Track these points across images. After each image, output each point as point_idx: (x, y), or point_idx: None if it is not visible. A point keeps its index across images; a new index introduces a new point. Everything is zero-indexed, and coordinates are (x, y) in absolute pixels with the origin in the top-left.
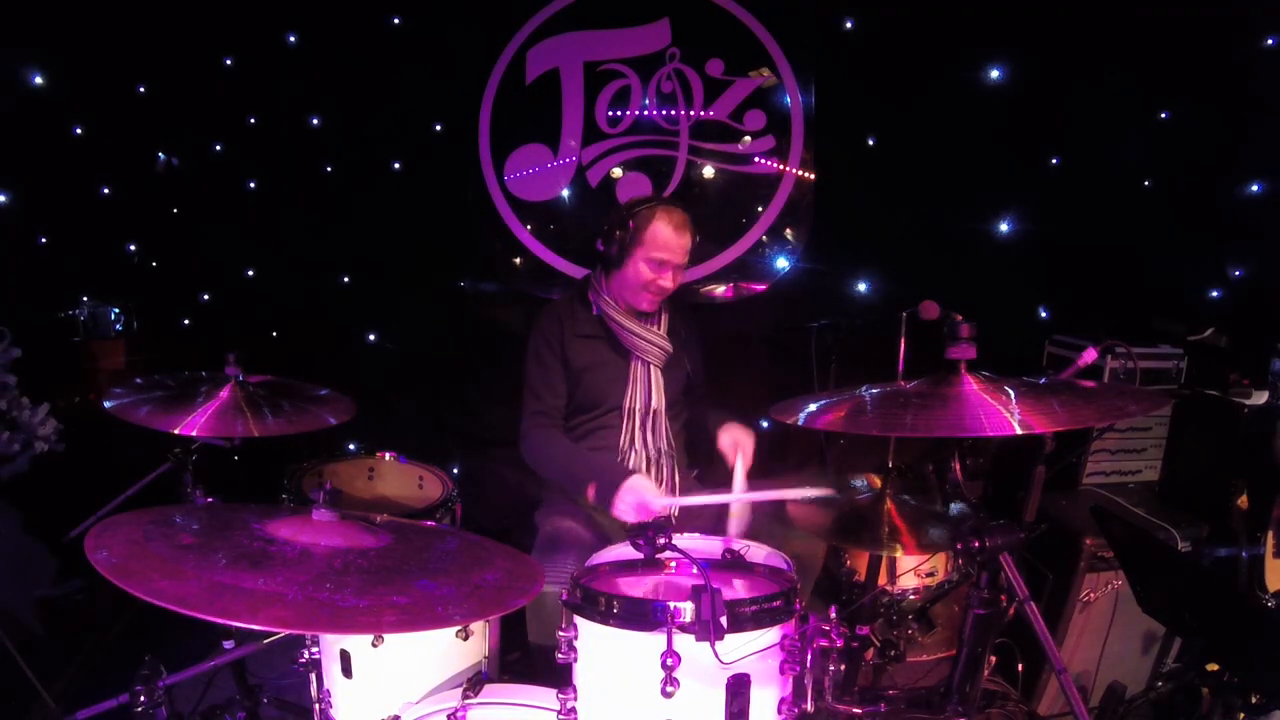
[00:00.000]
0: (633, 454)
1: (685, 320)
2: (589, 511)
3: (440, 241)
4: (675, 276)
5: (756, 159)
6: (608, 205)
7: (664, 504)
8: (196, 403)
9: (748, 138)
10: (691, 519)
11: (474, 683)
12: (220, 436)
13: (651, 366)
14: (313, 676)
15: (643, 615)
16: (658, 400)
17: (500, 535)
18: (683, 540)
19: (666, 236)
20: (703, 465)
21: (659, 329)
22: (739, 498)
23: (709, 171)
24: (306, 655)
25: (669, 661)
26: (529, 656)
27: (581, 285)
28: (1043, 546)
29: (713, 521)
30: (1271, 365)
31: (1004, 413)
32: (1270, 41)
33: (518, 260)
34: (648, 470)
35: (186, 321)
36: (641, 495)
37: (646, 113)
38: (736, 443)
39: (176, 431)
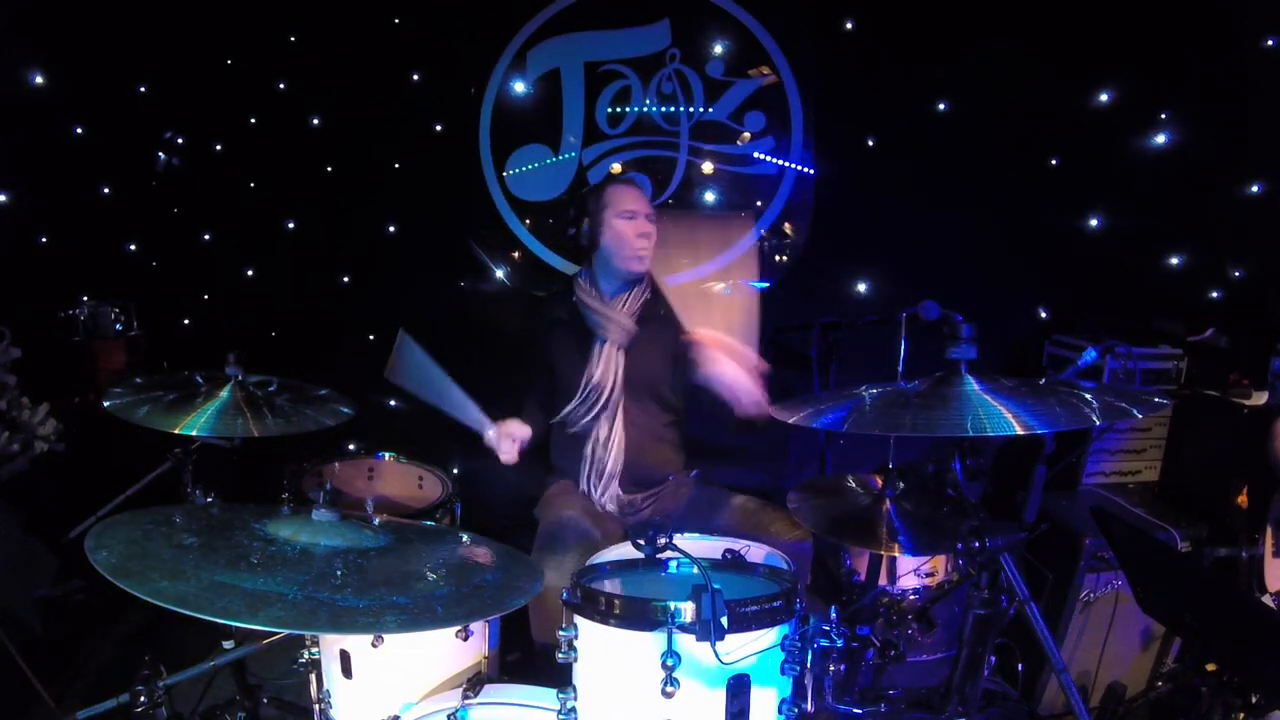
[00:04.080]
0: (612, 435)
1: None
2: (589, 504)
3: (440, 241)
4: (650, 226)
5: (756, 159)
6: None
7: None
8: (196, 403)
9: (747, 137)
10: (688, 511)
11: (474, 683)
12: (220, 437)
13: (609, 344)
14: (313, 676)
15: (643, 615)
16: (615, 378)
17: (500, 535)
18: (683, 540)
19: (625, 190)
20: (702, 463)
21: (623, 308)
22: None
23: (709, 172)
24: (306, 655)
25: (669, 661)
26: (529, 656)
27: (571, 279)
28: (1043, 546)
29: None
30: (1271, 365)
31: (1005, 412)
32: (1270, 41)
33: (518, 260)
34: (625, 450)
35: (186, 321)
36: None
37: (647, 113)
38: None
39: (176, 431)
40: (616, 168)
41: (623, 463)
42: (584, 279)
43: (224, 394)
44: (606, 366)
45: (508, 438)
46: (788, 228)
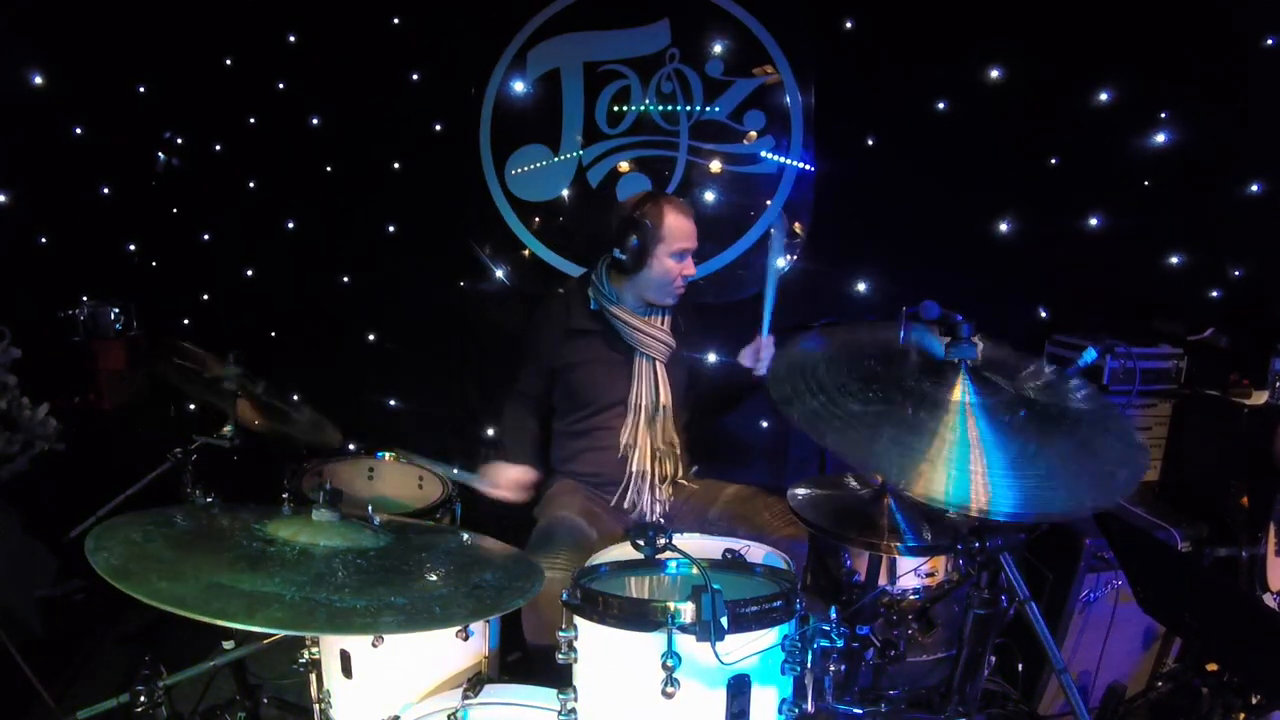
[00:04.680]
0: (636, 451)
1: (687, 317)
2: (589, 505)
3: (440, 241)
4: (693, 264)
5: (756, 159)
6: (608, 205)
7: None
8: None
9: (749, 137)
10: (685, 505)
11: (474, 683)
12: (220, 435)
13: (657, 363)
14: (313, 676)
15: (643, 615)
16: (665, 396)
17: (500, 535)
18: (683, 540)
19: (683, 225)
20: (702, 462)
21: (663, 324)
22: None
23: (709, 171)
24: (307, 655)
25: (669, 662)
26: (529, 656)
27: (580, 281)
28: (1043, 546)
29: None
30: (1271, 365)
31: None
32: (1270, 41)
33: (518, 260)
34: (652, 467)
35: (186, 321)
36: (498, 476)
37: (646, 112)
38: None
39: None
40: (625, 166)
41: (656, 467)
42: (608, 291)
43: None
44: (662, 386)
45: (515, 487)
46: (788, 227)
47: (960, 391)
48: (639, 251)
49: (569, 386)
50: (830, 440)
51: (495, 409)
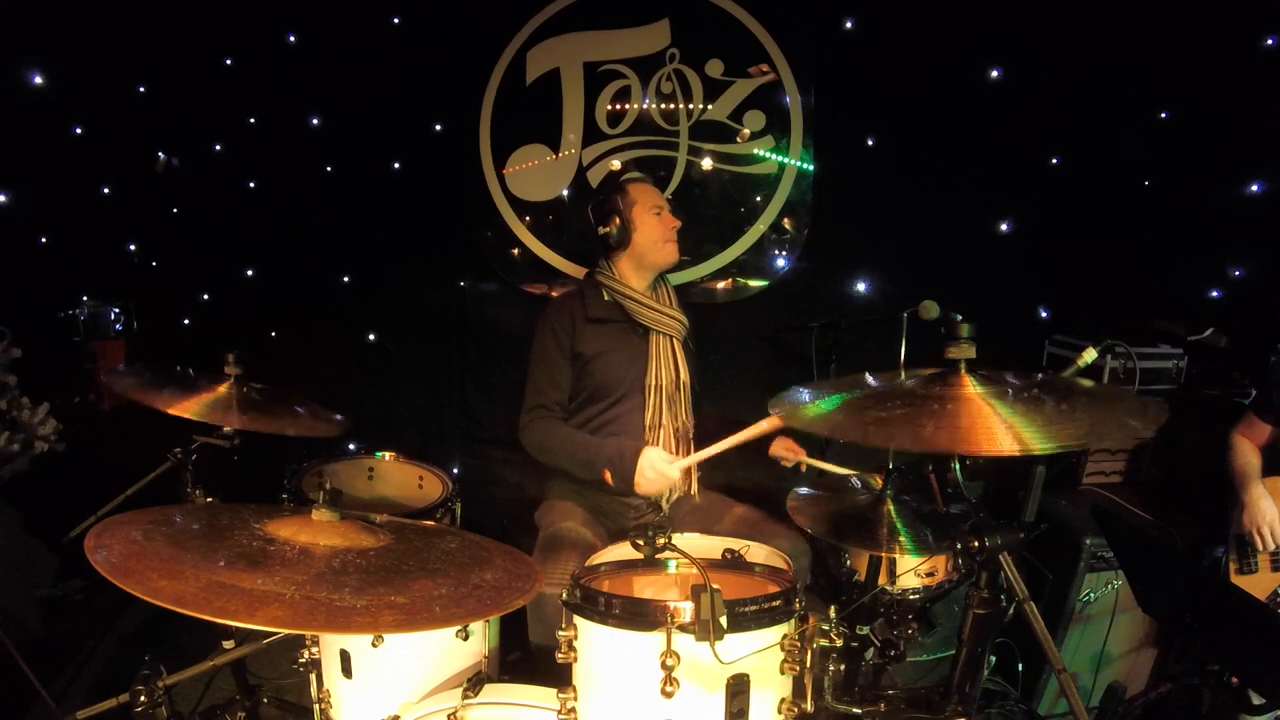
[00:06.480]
0: (660, 431)
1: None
2: (589, 511)
3: (440, 241)
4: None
5: (756, 158)
6: None
7: (681, 466)
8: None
9: (747, 134)
10: (689, 518)
11: (474, 683)
12: (220, 435)
13: (674, 341)
14: (313, 676)
15: (642, 615)
16: (684, 373)
17: (500, 535)
18: (682, 540)
19: (645, 187)
20: (701, 464)
21: (673, 306)
22: (736, 441)
23: (709, 171)
24: (306, 655)
25: (669, 661)
26: (529, 656)
27: (589, 277)
28: (1043, 546)
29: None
30: (1272, 365)
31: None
32: (1270, 41)
33: (518, 260)
34: (676, 449)
35: (186, 321)
36: (659, 467)
37: (646, 112)
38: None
39: (171, 411)
40: (616, 164)
41: (679, 449)
42: (620, 277)
43: (222, 392)
44: (680, 364)
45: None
46: (788, 224)
47: None
48: (622, 221)
49: (588, 377)
50: None
51: (493, 413)
